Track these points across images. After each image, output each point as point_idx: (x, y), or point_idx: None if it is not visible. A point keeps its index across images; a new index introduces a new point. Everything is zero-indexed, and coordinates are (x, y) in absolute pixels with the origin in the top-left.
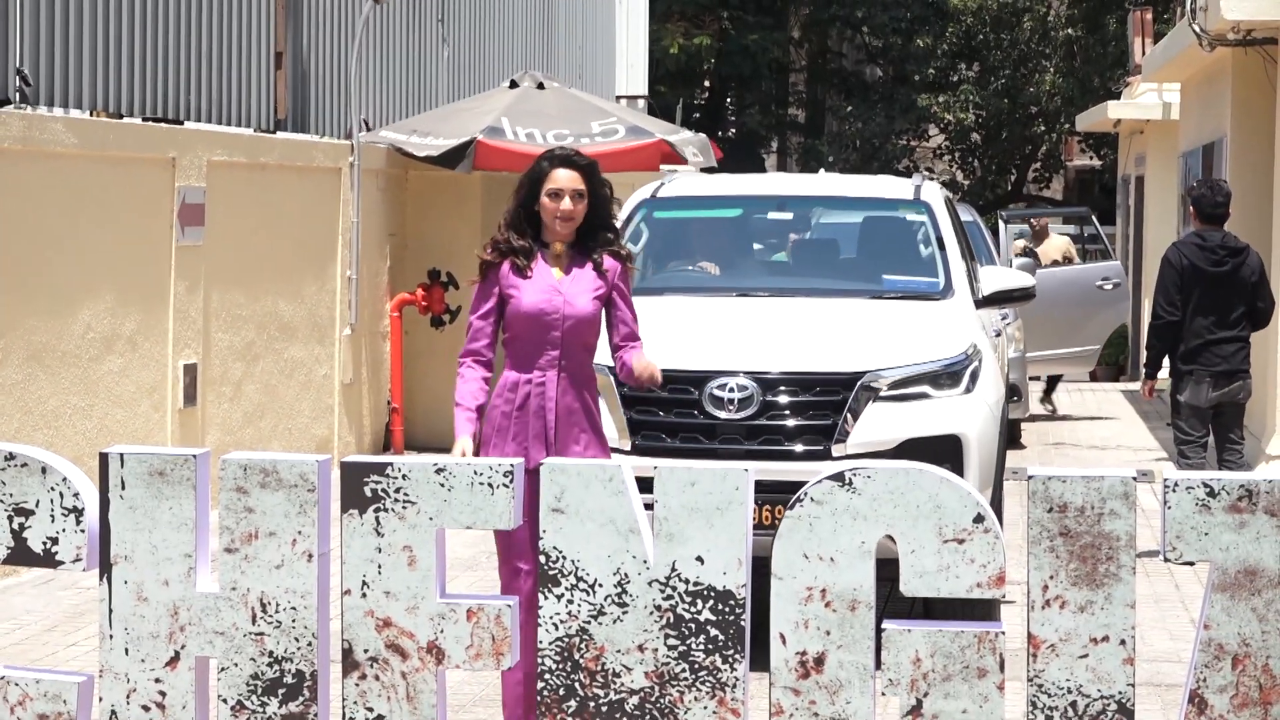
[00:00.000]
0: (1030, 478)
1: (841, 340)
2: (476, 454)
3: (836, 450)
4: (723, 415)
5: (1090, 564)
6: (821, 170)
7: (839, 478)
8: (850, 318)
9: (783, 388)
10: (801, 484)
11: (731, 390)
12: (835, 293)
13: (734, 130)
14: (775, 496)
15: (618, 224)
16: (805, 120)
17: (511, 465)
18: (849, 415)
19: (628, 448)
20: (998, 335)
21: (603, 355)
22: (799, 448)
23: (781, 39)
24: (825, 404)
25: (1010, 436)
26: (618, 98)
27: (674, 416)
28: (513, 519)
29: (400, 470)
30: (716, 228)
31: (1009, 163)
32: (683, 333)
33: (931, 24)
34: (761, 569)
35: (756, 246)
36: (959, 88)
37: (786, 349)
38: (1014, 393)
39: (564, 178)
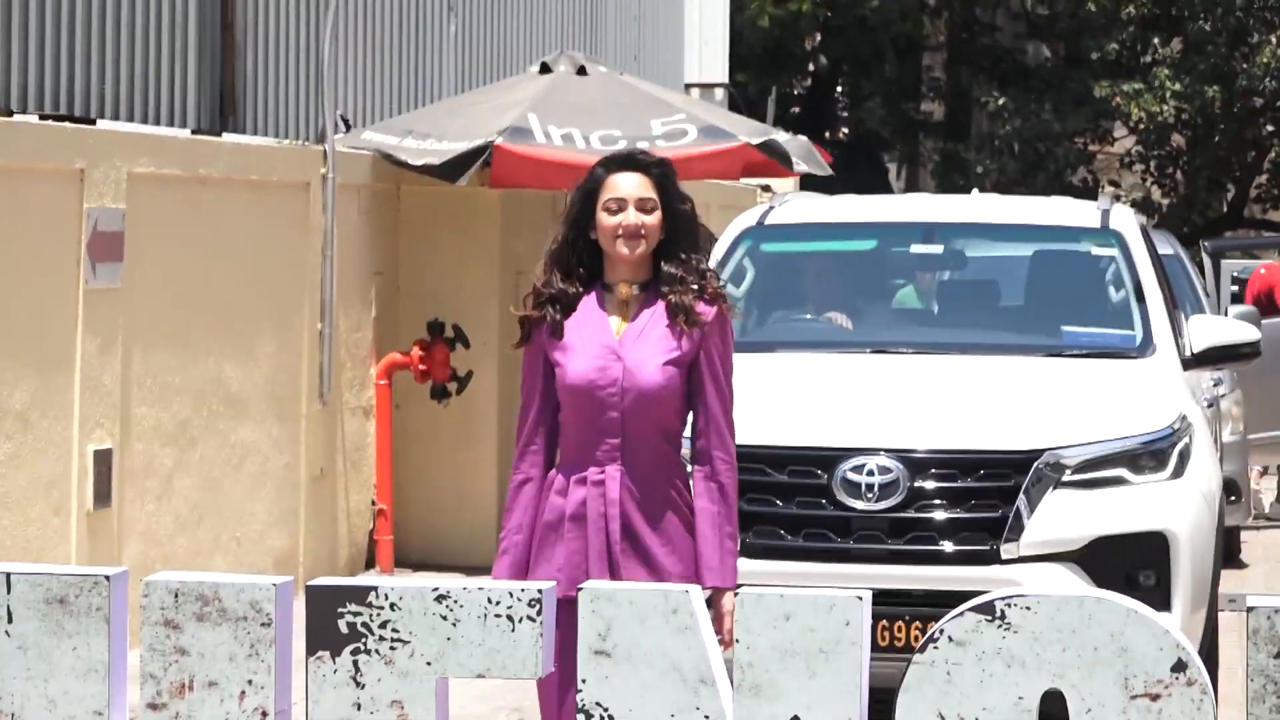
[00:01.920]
0: (1251, 610)
1: (1011, 410)
2: None
3: (1006, 551)
4: (859, 505)
5: None
6: (975, 190)
7: (987, 609)
8: (1022, 381)
9: (936, 470)
10: (963, 596)
11: (871, 473)
12: (1001, 348)
13: (846, 131)
14: (927, 610)
15: (711, 260)
16: (944, 117)
17: (539, 591)
18: (1022, 506)
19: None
20: (1210, 406)
21: None
22: (958, 547)
23: (913, 8)
24: (991, 491)
25: (1226, 550)
26: (687, 87)
27: (797, 507)
28: (539, 665)
29: (387, 597)
30: (843, 265)
31: (1224, 174)
32: (805, 401)
33: None
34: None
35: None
36: (1152, 71)
37: (940, 421)
38: (1232, 490)
39: (627, 184)
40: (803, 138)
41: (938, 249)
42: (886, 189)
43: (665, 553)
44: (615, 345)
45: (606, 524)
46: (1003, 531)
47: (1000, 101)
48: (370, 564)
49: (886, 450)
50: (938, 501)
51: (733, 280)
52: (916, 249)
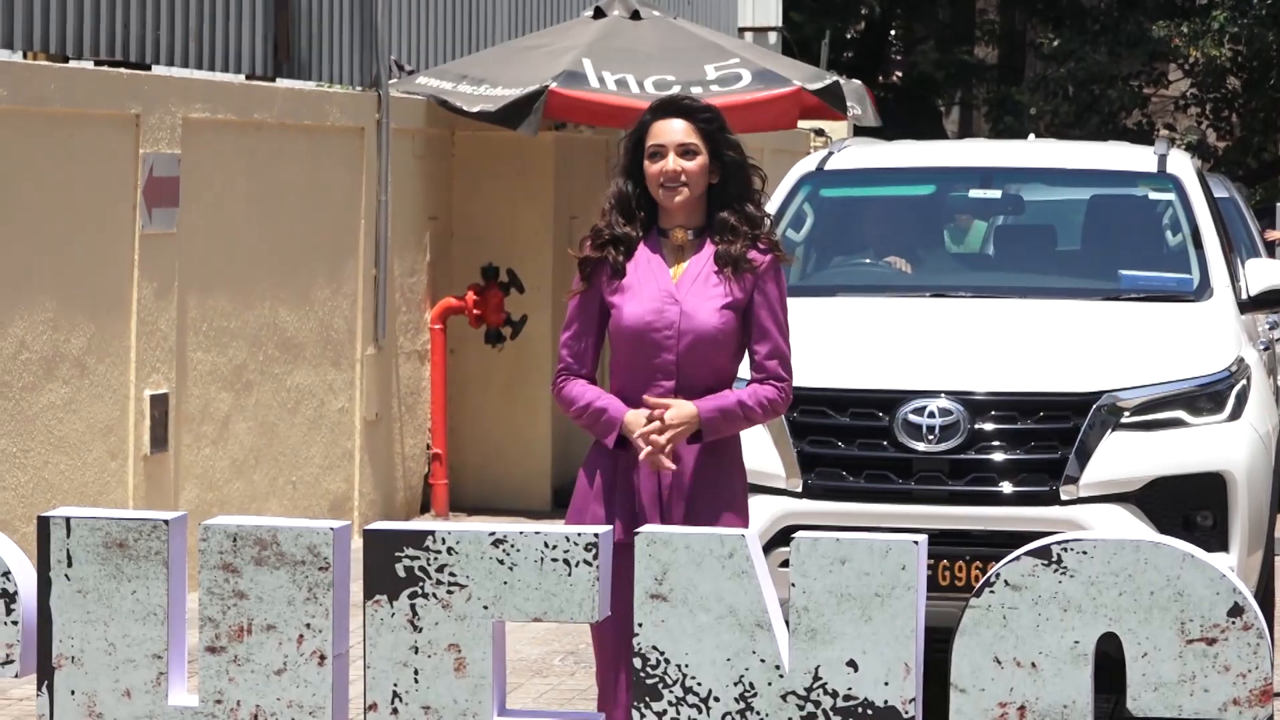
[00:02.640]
0: None
1: (1070, 353)
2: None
3: (1065, 492)
4: (920, 447)
5: None
6: (1030, 134)
7: (1043, 553)
8: (1080, 324)
9: (996, 412)
10: (1022, 536)
11: (932, 415)
12: (1059, 293)
13: (900, 74)
14: (987, 550)
15: (771, 206)
16: (998, 60)
17: (596, 535)
18: (1081, 447)
19: (798, 489)
20: (1266, 350)
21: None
22: (1017, 488)
23: None
24: (1051, 433)
25: None
26: (741, 31)
27: (858, 449)
28: (596, 609)
29: (445, 541)
30: (902, 210)
31: None
32: (865, 344)
33: None
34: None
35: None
36: (1210, 13)
37: (999, 364)
38: None
39: (667, 130)
40: (856, 82)
41: (996, 194)
42: (940, 132)
43: (716, 496)
44: (672, 289)
45: (658, 471)
46: (1062, 472)
47: (1055, 43)
48: (425, 508)
49: (947, 392)
50: (997, 443)
51: (793, 225)
52: (975, 194)
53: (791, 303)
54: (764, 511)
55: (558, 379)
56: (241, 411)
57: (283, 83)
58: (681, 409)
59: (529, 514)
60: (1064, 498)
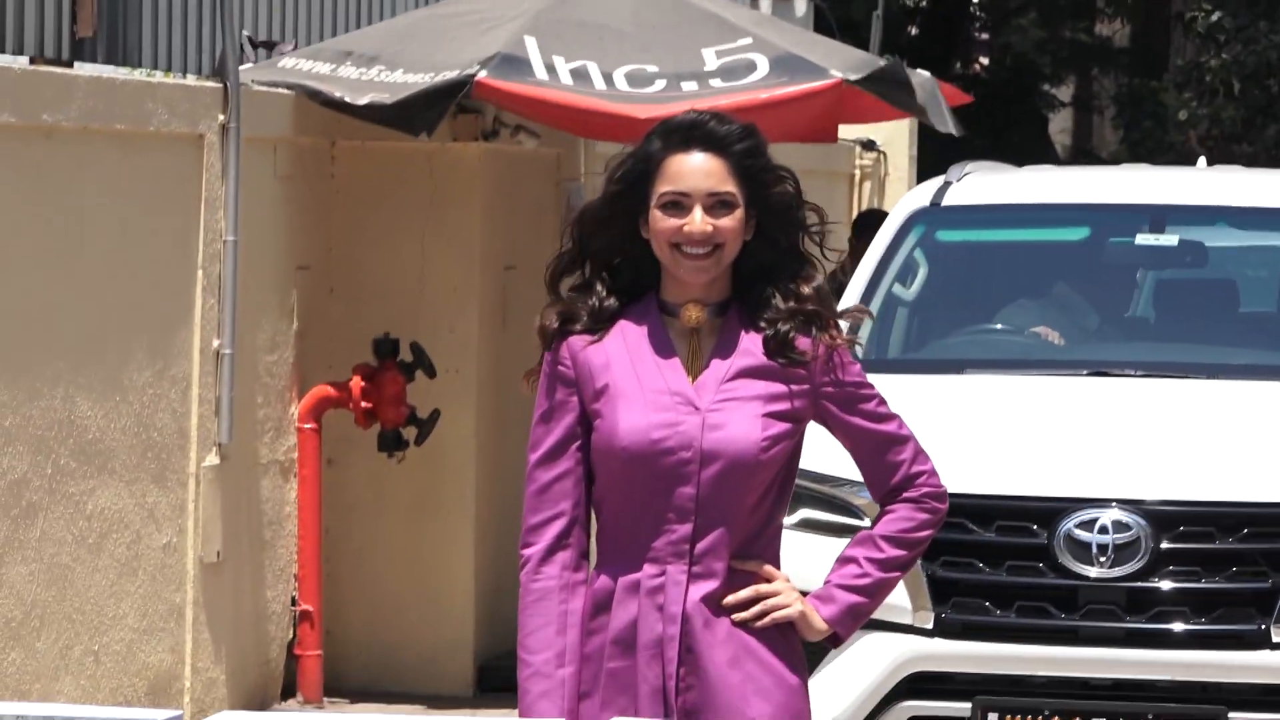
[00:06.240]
0: None
1: (1276, 451)
2: None
3: (1278, 633)
4: (1090, 572)
5: None
6: (1201, 160)
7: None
8: None
9: (1186, 528)
10: (1221, 690)
11: (1103, 531)
12: (1255, 371)
13: (986, 61)
14: (1175, 709)
15: (874, 251)
16: (1131, 41)
17: None
18: None
19: (929, 625)
20: None
21: (846, 468)
22: (1215, 626)
23: None
24: (1258, 555)
25: None
26: None
27: (1007, 574)
28: None
29: None
30: (1048, 261)
31: None
32: (1012, 437)
33: None
34: None
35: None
36: None
37: (1189, 465)
38: None
39: (690, 170)
40: (924, 74)
41: (1171, 240)
42: (1046, 144)
43: (748, 693)
44: (689, 391)
45: (663, 651)
46: (1274, 607)
47: (1214, 18)
48: (289, 691)
49: (1121, 501)
50: (1189, 568)
51: (899, 279)
52: (1143, 240)
53: (904, 382)
54: (884, 655)
55: (524, 557)
56: (20, 548)
57: (84, 69)
58: (810, 623)
59: (442, 702)
60: (1276, 640)
